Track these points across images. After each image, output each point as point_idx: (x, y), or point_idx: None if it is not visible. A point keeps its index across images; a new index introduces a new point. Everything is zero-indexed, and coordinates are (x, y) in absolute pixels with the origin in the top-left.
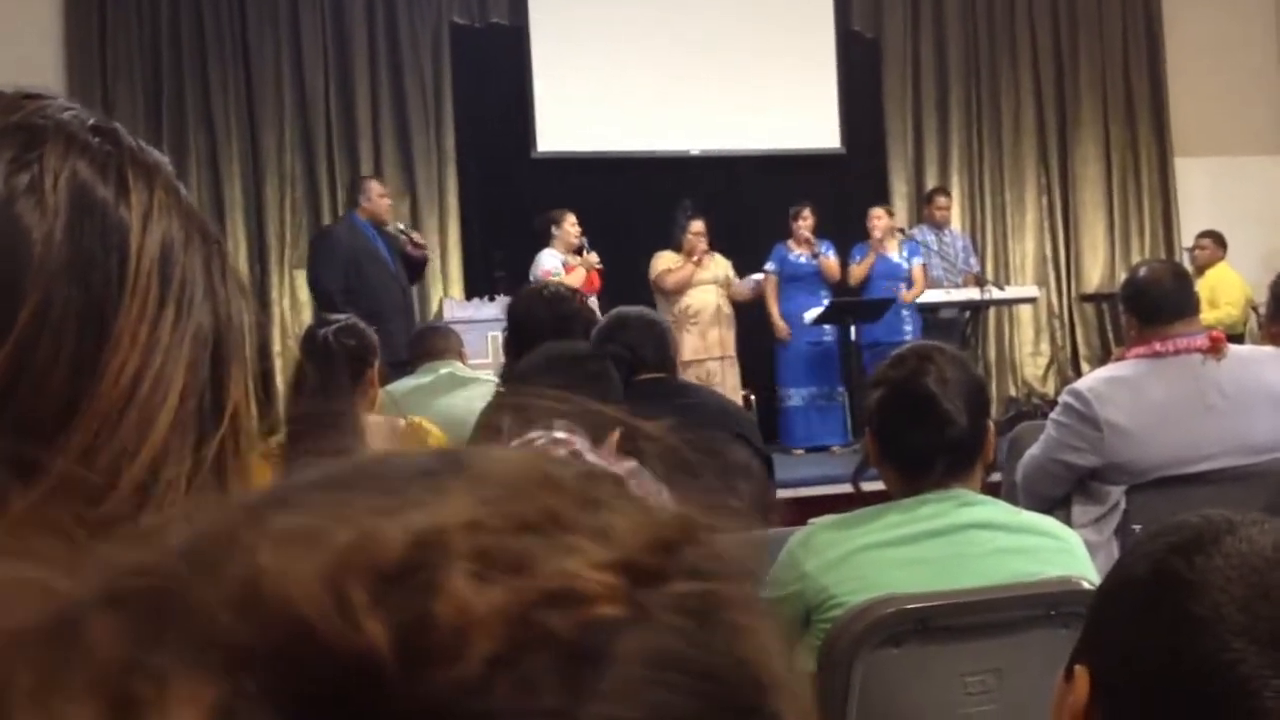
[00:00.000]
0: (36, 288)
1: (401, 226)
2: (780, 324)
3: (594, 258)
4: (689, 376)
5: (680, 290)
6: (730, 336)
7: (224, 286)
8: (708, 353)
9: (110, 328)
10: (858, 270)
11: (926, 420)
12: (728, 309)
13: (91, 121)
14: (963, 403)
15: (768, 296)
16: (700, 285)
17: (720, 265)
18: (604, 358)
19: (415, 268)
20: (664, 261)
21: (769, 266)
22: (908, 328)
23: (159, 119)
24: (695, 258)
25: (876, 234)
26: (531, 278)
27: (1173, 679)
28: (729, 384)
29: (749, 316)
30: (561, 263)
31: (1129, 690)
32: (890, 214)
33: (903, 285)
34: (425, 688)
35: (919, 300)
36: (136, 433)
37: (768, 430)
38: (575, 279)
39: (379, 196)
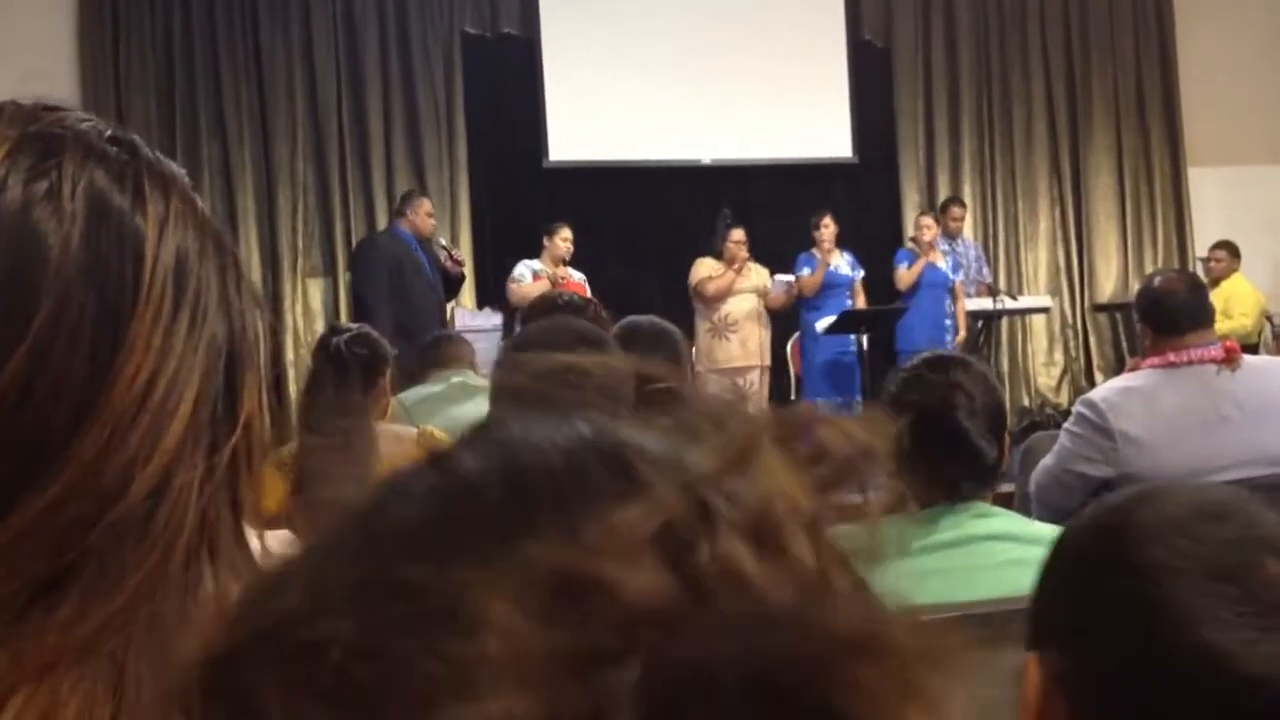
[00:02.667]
0: (52, 293)
1: (443, 242)
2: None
3: (561, 273)
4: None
5: (720, 298)
6: (768, 345)
7: (238, 296)
8: (747, 360)
9: (124, 334)
10: (907, 276)
11: (957, 454)
12: (766, 318)
13: (109, 132)
14: (990, 432)
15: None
16: (740, 294)
17: (759, 275)
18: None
19: (452, 284)
20: (704, 268)
21: (804, 272)
22: (949, 337)
23: (172, 128)
24: (736, 265)
25: (926, 239)
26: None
27: (1121, 636)
28: (760, 395)
29: (773, 327)
30: (531, 273)
31: (1082, 661)
32: (937, 222)
33: (947, 294)
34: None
35: None
36: (149, 439)
37: None
38: (536, 289)
39: (426, 214)
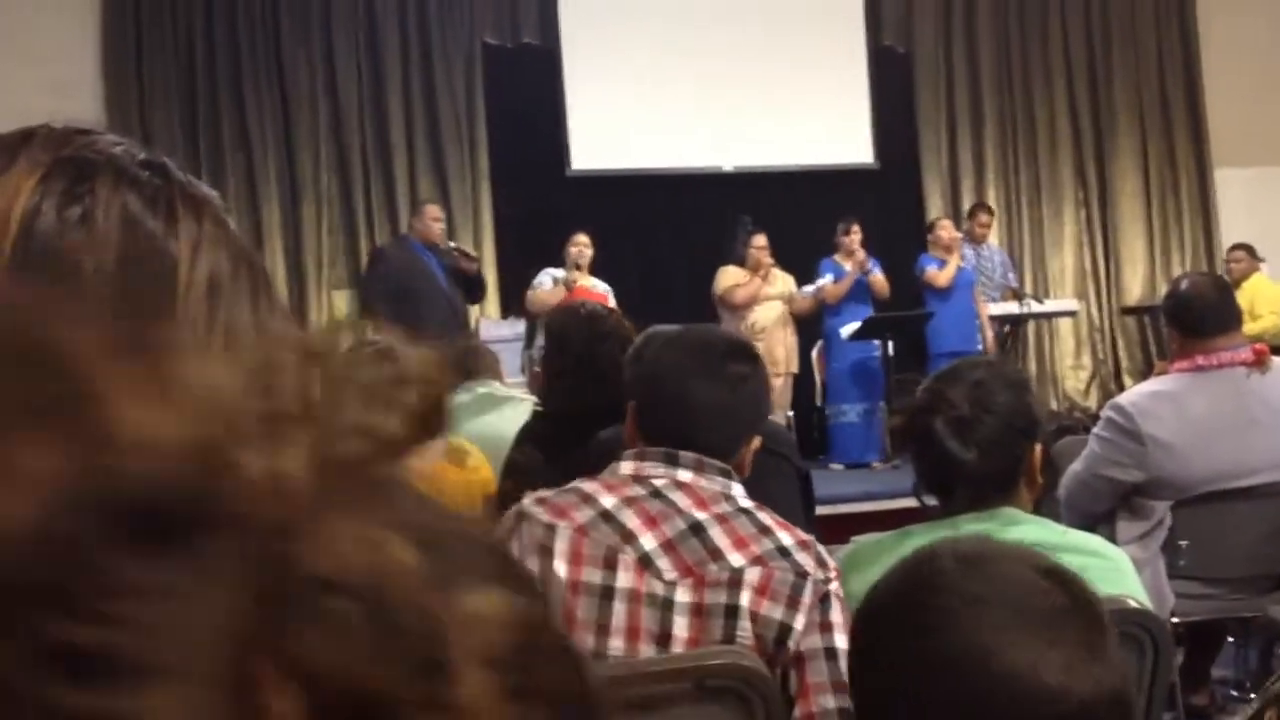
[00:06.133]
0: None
1: (453, 244)
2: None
3: (575, 276)
4: None
5: (748, 305)
6: (795, 351)
7: (270, 318)
8: (774, 369)
9: None
10: (943, 276)
11: (954, 463)
12: (792, 324)
13: (141, 156)
14: (1010, 438)
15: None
16: (766, 301)
17: (785, 281)
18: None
19: (474, 286)
20: (730, 277)
21: (825, 279)
22: (978, 337)
23: (196, 142)
24: (761, 271)
25: (957, 236)
26: None
27: (929, 678)
28: (783, 401)
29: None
30: (551, 279)
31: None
32: (958, 225)
33: (980, 290)
34: None
35: None
36: None
37: (819, 447)
38: (555, 296)
39: (432, 220)
